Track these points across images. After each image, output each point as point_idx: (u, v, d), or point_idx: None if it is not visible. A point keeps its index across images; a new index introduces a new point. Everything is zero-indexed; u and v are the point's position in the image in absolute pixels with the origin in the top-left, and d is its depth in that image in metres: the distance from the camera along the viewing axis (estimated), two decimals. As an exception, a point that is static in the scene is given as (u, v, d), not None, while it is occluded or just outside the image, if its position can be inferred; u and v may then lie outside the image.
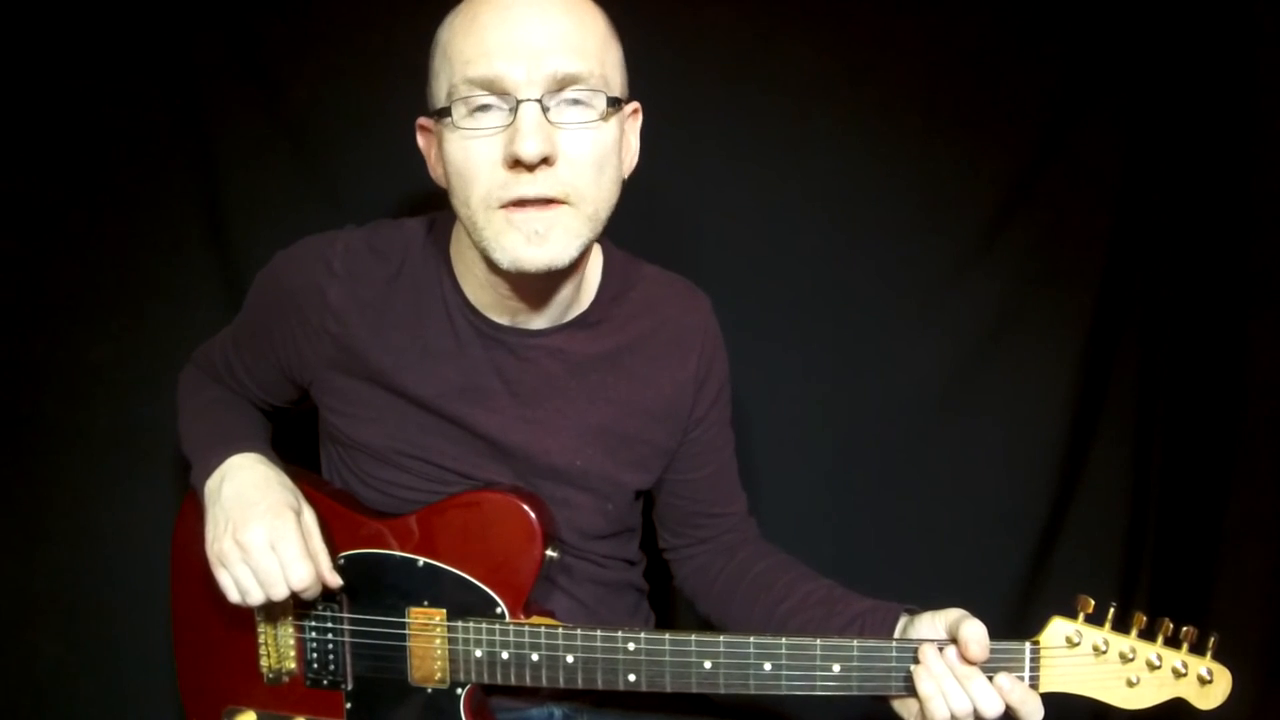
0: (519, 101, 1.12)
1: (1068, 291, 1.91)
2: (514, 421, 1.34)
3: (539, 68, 1.12)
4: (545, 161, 1.13)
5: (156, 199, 1.85)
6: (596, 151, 1.17)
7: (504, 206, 1.15)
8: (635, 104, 1.30)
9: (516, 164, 1.12)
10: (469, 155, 1.15)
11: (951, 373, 1.93)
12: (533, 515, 1.28)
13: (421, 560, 1.30)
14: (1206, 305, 1.81)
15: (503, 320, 1.32)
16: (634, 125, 1.31)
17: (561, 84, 1.14)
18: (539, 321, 1.33)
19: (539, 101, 1.12)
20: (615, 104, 1.19)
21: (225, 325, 1.50)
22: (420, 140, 1.28)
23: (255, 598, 1.24)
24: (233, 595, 1.25)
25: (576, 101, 1.15)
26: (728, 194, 1.88)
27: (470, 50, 1.14)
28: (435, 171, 1.27)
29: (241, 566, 1.23)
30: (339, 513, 1.34)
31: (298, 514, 1.27)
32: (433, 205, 1.37)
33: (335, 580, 1.27)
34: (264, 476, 1.31)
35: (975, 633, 1.14)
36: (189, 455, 1.39)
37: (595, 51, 1.17)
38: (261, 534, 1.22)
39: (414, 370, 1.32)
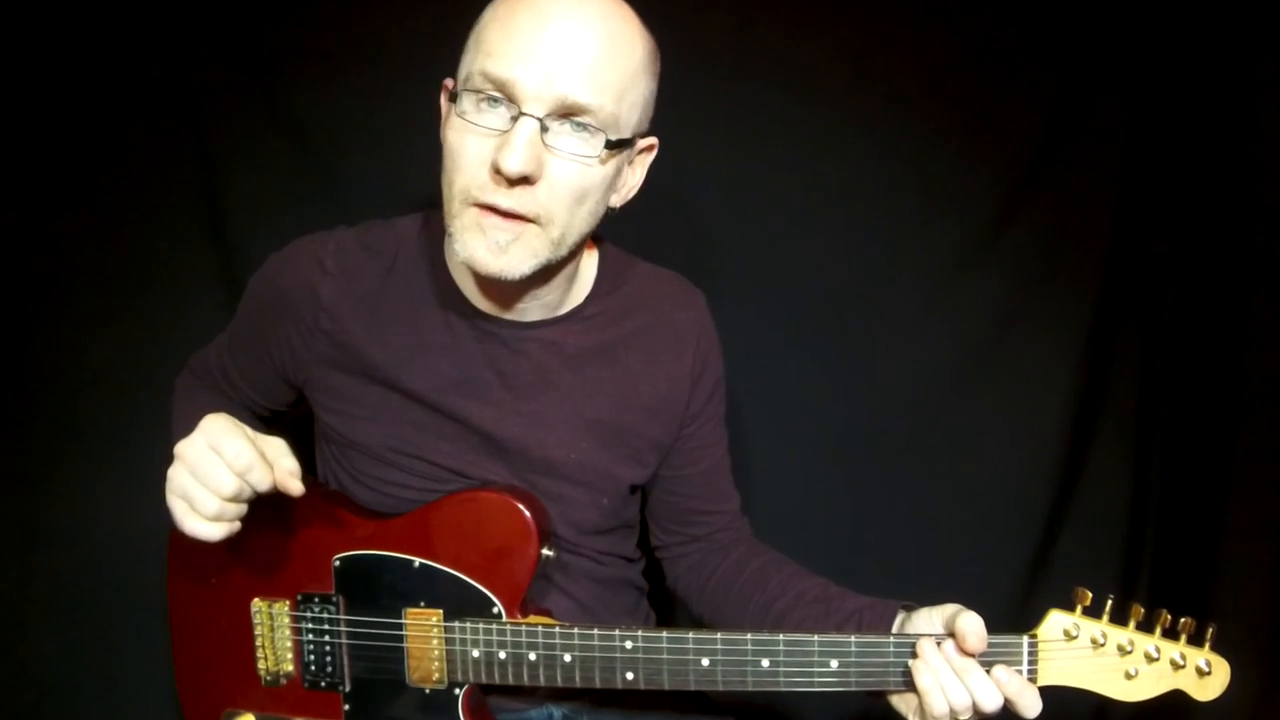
0: (521, 113, 1.12)
1: (1068, 290, 1.91)
2: (509, 415, 1.34)
3: (551, 86, 1.12)
4: (526, 180, 1.13)
5: (156, 199, 1.85)
6: (581, 185, 1.18)
7: (477, 205, 1.16)
8: (651, 140, 1.29)
9: (498, 173, 1.13)
10: (463, 145, 1.16)
11: (951, 371, 1.93)
12: (528, 514, 1.28)
13: (417, 561, 1.29)
14: (1206, 304, 1.81)
15: (497, 314, 1.32)
16: (644, 159, 1.31)
17: (568, 110, 1.14)
18: (534, 314, 1.33)
19: (540, 120, 1.12)
20: (619, 145, 1.19)
21: (225, 325, 1.50)
22: (442, 99, 1.26)
23: (205, 504, 1.13)
24: (187, 520, 1.14)
25: (578, 130, 1.15)
26: (728, 192, 1.88)
27: (496, 45, 1.14)
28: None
29: (183, 476, 1.14)
30: (334, 514, 1.34)
31: (249, 439, 1.17)
32: (432, 205, 1.37)
33: (297, 487, 1.19)
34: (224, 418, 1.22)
35: (972, 625, 1.14)
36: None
37: (616, 87, 1.16)
38: (198, 438, 1.15)
39: (409, 365, 1.32)
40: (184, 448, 1.15)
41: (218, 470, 1.13)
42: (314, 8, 1.81)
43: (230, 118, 1.83)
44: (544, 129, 1.13)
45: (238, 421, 1.19)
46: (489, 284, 1.27)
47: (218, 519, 1.15)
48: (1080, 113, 1.87)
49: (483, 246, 1.17)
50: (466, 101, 1.15)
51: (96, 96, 1.82)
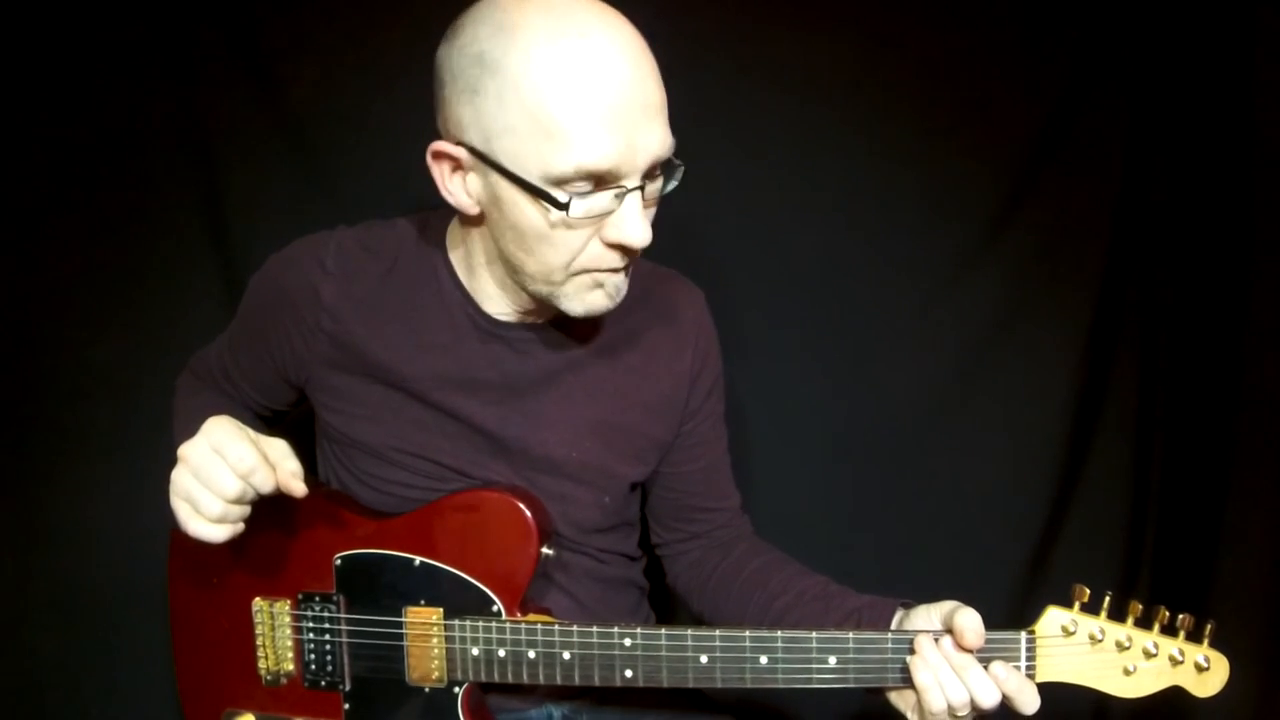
0: (626, 189, 1.12)
1: (1068, 291, 1.91)
2: (511, 414, 1.35)
3: (648, 155, 1.11)
4: None
5: (156, 199, 1.85)
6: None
7: (592, 272, 1.18)
8: None
9: (621, 248, 1.14)
10: (565, 234, 1.14)
11: (951, 372, 1.93)
12: (528, 513, 1.28)
13: (418, 560, 1.30)
14: (1206, 305, 1.81)
15: (502, 315, 1.32)
16: None
17: (656, 166, 1.15)
18: (538, 316, 1.33)
19: (641, 188, 1.13)
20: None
21: (225, 325, 1.50)
22: (432, 163, 1.20)
23: (209, 506, 1.14)
24: (191, 522, 1.16)
25: (659, 174, 1.17)
26: (728, 192, 1.88)
27: (581, 134, 1.07)
28: (457, 199, 1.21)
29: (187, 479, 1.15)
30: (335, 513, 1.34)
31: (251, 441, 1.18)
32: (431, 206, 1.37)
33: (300, 488, 1.19)
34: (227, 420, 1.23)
35: (970, 621, 1.15)
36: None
37: (668, 114, 1.15)
38: (200, 441, 1.16)
39: (411, 364, 1.32)
40: (187, 450, 1.16)
41: (221, 472, 1.14)
42: (314, 7, 1.81)
43: (230, 118, 1.83)
44: (643, 192, 1.14)
45: (240, 424, 1.20)
46: (539, 304, 1.27)
47: (221, 520, 1.17)
48: (1080, 113, 1.87)
49: (603, 298, 1.21)
50: (574, 204, 1.10)
51: (96, 97, 1.81)
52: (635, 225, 1.12)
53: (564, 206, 1.10)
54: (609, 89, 1.07)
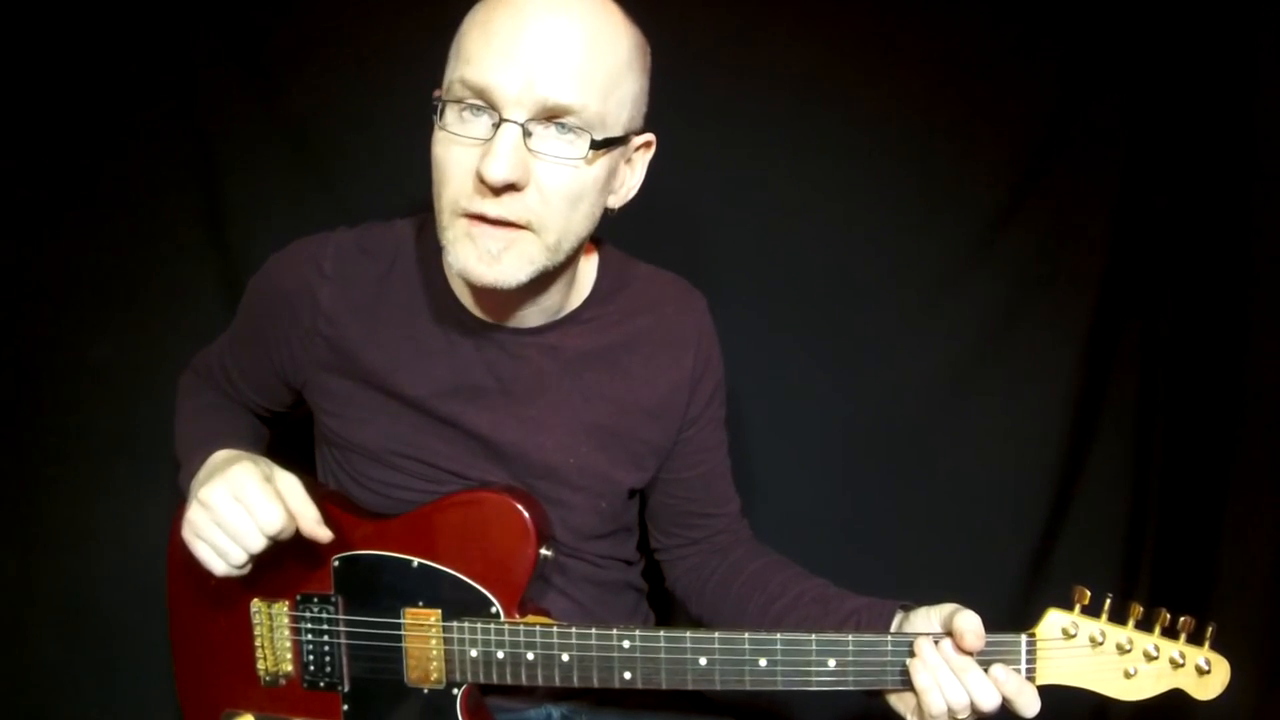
0: (503, 120, 1.10)
1: (1068, 290, 1.91)
2: (507, 419, 1.34)
3: (532, 90, 1.10)
4: (513, 187, 1.12)
5: (156, 199, 1.86)
6: (571, 189, 1.16)
7: (466, 216, 1.14)
8: (648, 137, 1.27)
9: (483, 181, 1.11)
10: (448, 157, 1.14)
11: (952, 372, 1.94)
12: (527, 515, 1.28)
13: (416, 561, 1.29)
14: (1206, 305, 1.81)
15: (494, 320, 1.32)
16: (641, 157, 1.29)
17: (551, 113, 1.12)
18: (532, 319, 1.33)
19: (522, 125, 1.10)
20: (607, 145, 1.16)
21: (225, 325, 1.50)
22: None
23: (236, 556, 1.18)
24: (215, 564, 1.19)
25: (562, 132, 1.13)
26: (729, 193, 1.89)
27: (474, 51, 1.12)
28: None
29: (211, 527, 1.18)
30: (333, 515, 1.32)
31: (267, 479, 1.21)
32: (431, 206, 1.37)
33: (325, 533, 1.22)
34: (238, 457, 1.26)
35: (970, 623, 1.14)
36: (179, 458, 1.38)
37: (600, 86, 1.14)
38: (222, 489, 1.17)
39: (406, 370, 1.32)
40: (209, 497, 1.18)
41: (249, 531, 1.17)
42: (314, 8, 1.82)
43: (230, 118, 1.83)
44: (527, 134, 1.11)
45: (255, 461, 1.23)
46: (485, 292, 1.25)
47: (245, 565, 1.20)
48: (1080, 113, 1.87)
49: (474, 256, 1.15)
50: (449, 113, 1.14)
51: (97, 97, 1.82)
52: (493, 155, 1.09)
53: (436, 111, 1.15)
54: (509, 18, 1.11)
